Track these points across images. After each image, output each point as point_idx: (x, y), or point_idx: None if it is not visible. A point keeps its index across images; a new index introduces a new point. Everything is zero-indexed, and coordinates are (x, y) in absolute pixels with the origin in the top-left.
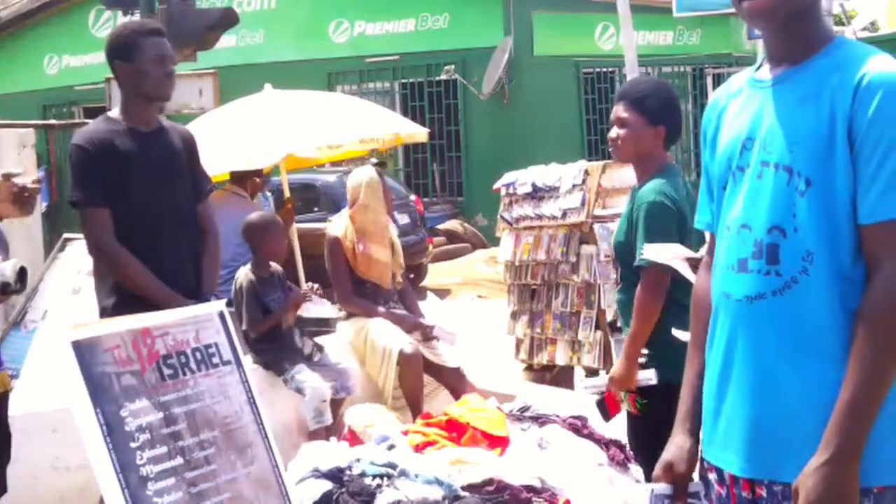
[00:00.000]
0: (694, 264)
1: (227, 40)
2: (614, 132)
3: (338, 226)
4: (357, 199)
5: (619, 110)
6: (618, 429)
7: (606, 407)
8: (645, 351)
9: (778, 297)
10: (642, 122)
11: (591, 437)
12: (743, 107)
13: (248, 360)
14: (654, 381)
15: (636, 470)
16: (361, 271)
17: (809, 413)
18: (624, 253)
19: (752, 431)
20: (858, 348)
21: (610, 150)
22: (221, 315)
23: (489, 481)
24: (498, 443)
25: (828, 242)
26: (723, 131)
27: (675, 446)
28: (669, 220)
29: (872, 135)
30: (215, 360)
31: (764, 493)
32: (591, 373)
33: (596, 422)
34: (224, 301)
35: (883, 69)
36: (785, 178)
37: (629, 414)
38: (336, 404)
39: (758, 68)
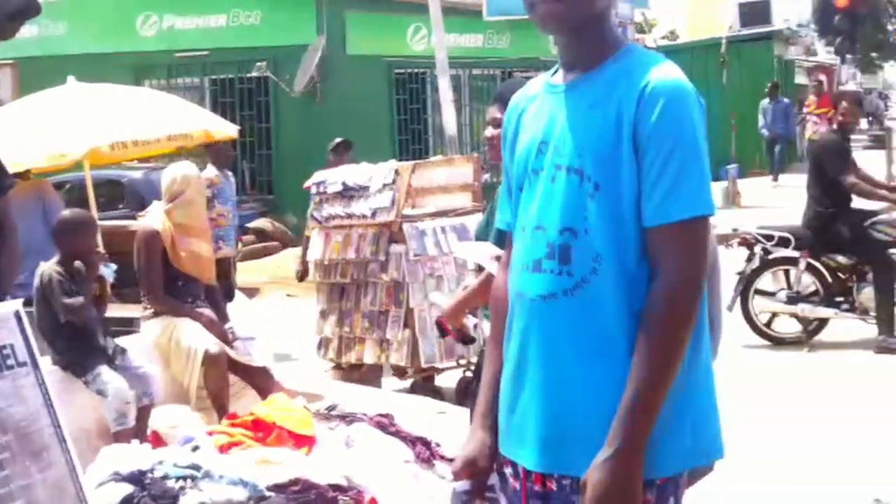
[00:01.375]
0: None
1: (28, 30)
2: (489, 132)
3: (154, 220)
4: (179, 195)
5: (493, 111)
6: (424, 426)
7: (443, 326)
8: (474, 320)
9: (569, 297)
10: None
11: (398, 434)
12: (539, 110)
13: (46, 360)
14: (472, 333)
15: (441, 466)
16: (183, 266)
17: (597, 410)
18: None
19: (545, 427)
20: (641, 347)
21: (485, 148)
22: (17, 315)
23: (295, 481)
24: (304, 442)
25: (615, 244)
26: (521, 134)
27: (475, 442)
28: None
29: (655, 141)
30: (10, 361)
31: (554, 486)
32: (399, 371)
33: (403, 419)
34: (20, 301)
35: (666, 76)
36: (576, 182)
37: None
38: (142, 411)
39: (554, 73)
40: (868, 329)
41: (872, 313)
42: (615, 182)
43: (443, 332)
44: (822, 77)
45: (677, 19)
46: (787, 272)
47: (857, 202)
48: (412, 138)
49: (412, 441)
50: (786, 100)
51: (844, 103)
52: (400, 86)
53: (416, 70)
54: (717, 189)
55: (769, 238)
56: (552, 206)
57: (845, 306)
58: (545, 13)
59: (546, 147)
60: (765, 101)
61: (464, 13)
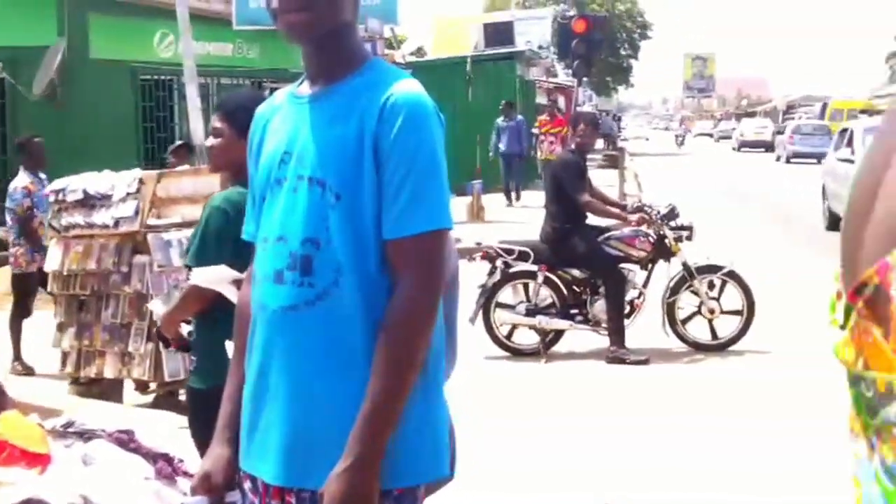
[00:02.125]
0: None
1: None
2: (210, 141)
3: None
4: None
5: (214, 120)
6: (166, 442)
7: (163, 337)
8: (188, 328)
9: (311, 309)
10: (233, 133)
11: (139, 450)
12: (283, 121)
13: None
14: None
15: (184, 482)
16: None
17: (337, 422)
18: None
19: (285, 440)
20: (379, 359)
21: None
22: None
23: (27, 502)
24: (38, 461)
25: (356, 256)
26: (265, 144)
27: (213, 457)
28: (224, 228)
29: (395, 155)
30: None
31: (293, 500)
32: (141, 386)
33: (144, 435)
34: None
35: (407, 92)
36: (318, 192)
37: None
38: None
39: (300, 84)
40: (600, 340)
41: (604, 325)
42: (356, 194)
43: (165, 342)
44: (559, 97)
45: (425, 37)
46: (526, 285)
47: (592, 219)
48: (158, 146)
49: (153, 457)
50: (520, 118)
51: (582, 125)
52: (146, 92)
53: (163, 77)
54: (462, 204)
55: (510, 252)
56: (294, 216)
57: (580, 318)
58: (288, 23)
59: (289, 157)
60: (499, 120)
61: (213, 21)
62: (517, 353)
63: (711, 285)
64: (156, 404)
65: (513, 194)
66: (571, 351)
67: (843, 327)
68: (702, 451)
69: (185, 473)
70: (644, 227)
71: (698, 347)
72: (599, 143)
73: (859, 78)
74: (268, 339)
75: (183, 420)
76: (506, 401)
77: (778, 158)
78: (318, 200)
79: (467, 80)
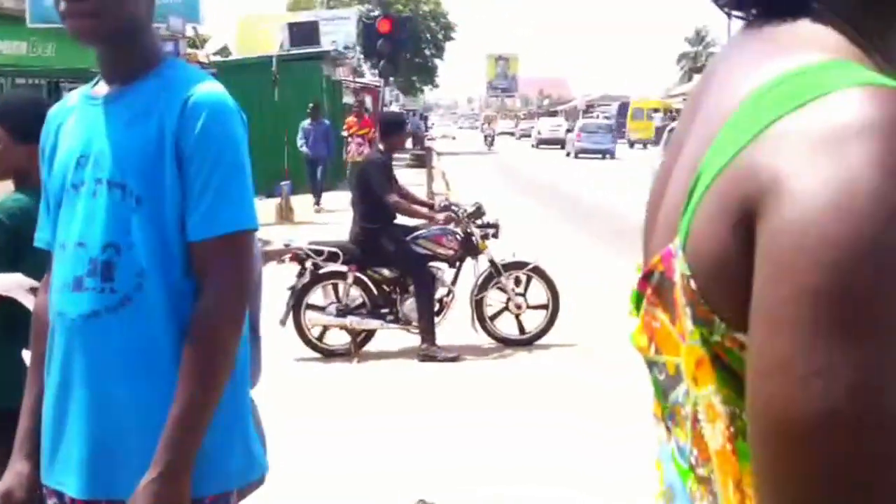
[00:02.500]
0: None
1: None
2: None
3: None
4: None
5: None
6: None
7: None
8: None
9: (113, 315)
10: (9, 138)
11: None
12: (77, 124)
13: None
14: None
15: None
16: None
17: (144, 430)
18: None
19: (90, 451)
20: (186, 365)
21: None
22: None
23: None
24: None
25: (160, 259)
26: (59, 148)
27: (13, 473)
28: None
29: (197, 156)
30: None
31: None
32: None
33: None
34: None
35: (208, 92)
36: (118, 196)
37: None
38: None
39: (95, 84)
40: (412, 338)
41: (415, 323)
42: (158, 196)
43: None
44: (366, 97)
45: (229, 36)
46: (336, 286)
47: (401, 219)
48: None
49: None
50: (326, 122)
51: (390, 124)
52: None
53: None
54: (271, 205)
55: (319, 253)
56: (94, 221)
57: (390, 317)
58: (75, 27)
59: (86, 161)
60: (306, 123)
61: (5, 18)
62: (329, 355)
63: (518, 281)
64: None
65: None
66: (383, 350)
67: (637, 314)
68: (513, 447)
69: None
70: (451, 226)
71: (507, 343)
72: (407, 143)
73: (653, 77)
74: (68, 349)
75: None
76: (317, 403)
77: (568, 154)
78: (118, 204)
79: (273, 80)
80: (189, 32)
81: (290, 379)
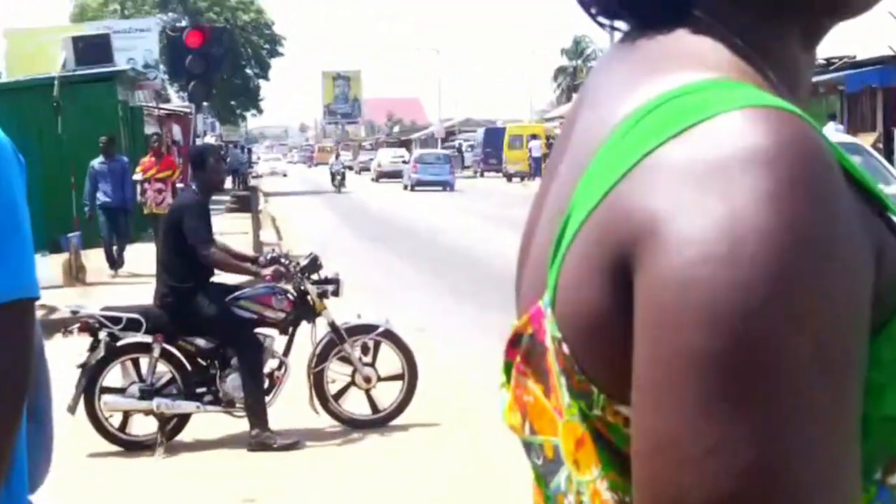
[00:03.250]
0: None
1: None
2: None
3: None
4: None
5: None
6: None
7: None
8: None
9: None
10: None
11: None
12: None
13: None
14: None
15: None
16: None
17: None
18: None
19: None
20: None
21: None
22: None
23: None
24: None
25: None
26: None
27: None
28: None
29: None
30: None
31: None
32: None
33: None
34: None
35: None
36: None
37: None
38: None
39: None
40: (238, 423)
41: (240, 404)
42: None
43: None
44: (173, 126)
45: None
46: (137, 361)
47: (219, 275)
48: None
49: None
50: (124, 159)
51: (212, 159)
52: None
53: None
54: (57, 262)
55: (116, 321)
56: None
57: (208, 398)
58: None
59: None
60: (96, 162)
61: None
62: (133, 447)
63: (366, 349)
64: None
65: (117, 258)
66: (199, 439)
67: (508, 387)
68: None
69: None
70: (282, 283)
71: (356, 425)
72: (227, 182)
73: (526, 96)
74: None
75: None
76: None
77: (405, 187)
78: None
79: (56, 106)
80: None
81: (86, 479)
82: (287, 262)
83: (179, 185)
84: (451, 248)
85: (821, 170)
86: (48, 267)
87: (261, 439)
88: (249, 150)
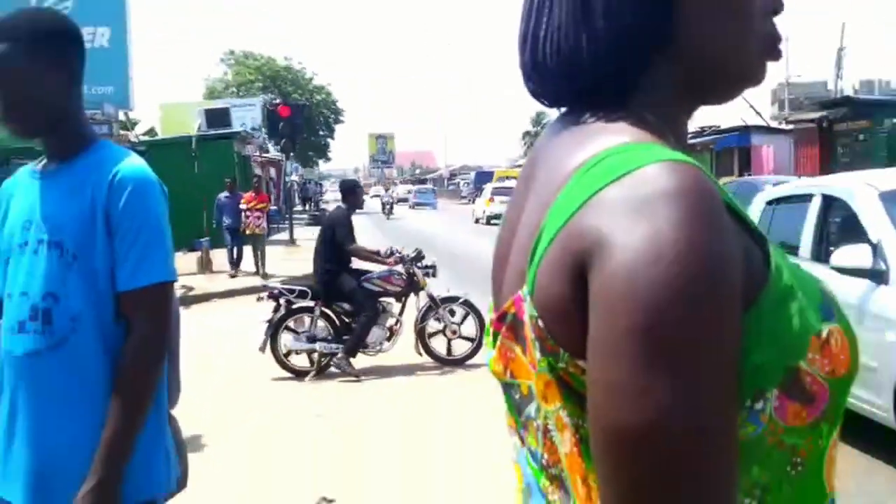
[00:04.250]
0: None
1: None
2: None
3: None
4: None
5: None
6: None
7: None
8: None
9: (52, 353)
10: None
11: None
12: (25, 194)
13: None
14: None
15: None
16: None
17: (79, 450)
18: None
19: (32, 468)
20: (117, 393)
21: None
22: None
23: None
24: None
25: (92, 306)
26: (10, 214)
27: None
28: None
29: (124, 222)
30: None
31: None
32: None
33: None
34: None
35: (132, 166)
36: (56, 254)
37: None
38: None
39: (39, 161)
40: (367, 360)
41: (372, 348)
42: (90, 255)
43: None
44: (271, 169)
45: (154, 119)
46: (303, 319)
47: (355, 263)
48: None
49: None
50: (242, 194)
51: (358, 190)
52: None
53: None
54: (192, 258)
55: (291, 291)
56: (36, 274)
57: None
58: (8, 129)
59: (30, 224)
60: (223, 195)
61: None
62: (296, 373)
63: (452, 312)
64: None
65: (237, 262)
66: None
67: (493, 347)
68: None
69: None
70: (398, 268)
71: (442, 362)
72: (304, 205)
73: (502, 150)
74: (15, 382)
75: None
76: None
77: (410, 206)
78: (56, 260)
79: (193, 156)
80: (121, 117)
81: (269, 393)
82: (402, 254)
83: (273, 208)
84: (447, 248)
85: (710, 202)
86: (186, 262)
87: (340, 363)
88: (320, 185)
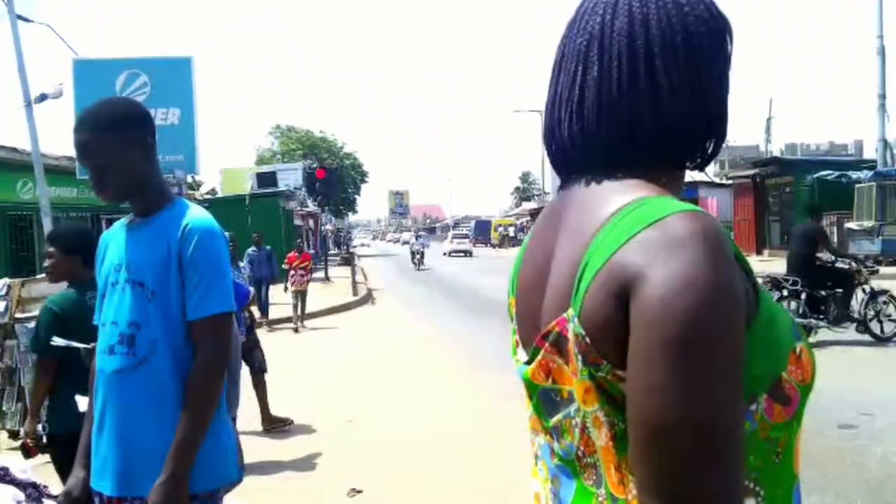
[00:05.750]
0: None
1: None
2: (46, 262)
3: None
4: None
5: (46, 247)
6: (34, 475)
7: (28, 450)
8: (43, 417)
9: (134, 371)
10: (60, 253)
11: (13, 482)
12: (117, 242)
13: None
14: (43, 433)
15: (49, 502)
16: None
17: (157, 449)
18: None
19: (119, 464)
20: (186, 402)
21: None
22: None
23: None
24: None
25: (168, 333)
26: (106, 258)
27: (73, 478)
28: (49, 321)
29: (192, 264)
30: None
31: None
32: (13, 434)
33: (16, 470)
34: None
35: (200, 220)
36: (139, 291)
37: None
38: None
39: (130, 216)
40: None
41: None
42: (166, 291)
43: (27, 453)
44: (309, 221)
45: (215, 180)
46: None
47: None
48: (22, 262)
49: (24, 486)
50: (268, 247)
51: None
52: (11, 225)
53: (25, 213)
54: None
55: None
56: (123, 307)
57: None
58: (98, 196)
59: (120, 267)
60: (250, 250)
61: (62, 172)
62: None
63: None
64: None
65: (265, 308)
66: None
67: (528, 363)
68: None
69: (50, 496)
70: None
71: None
72: (337, 248)
73: (495, 202)
74: (105, 394)
75: (46, 458)
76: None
77: (446, 254)
78: (139, 296)
79: (246, 210)
80: (189, 179)
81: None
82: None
83: (311, 251)
84: (450, 282)
85: (724, 244)
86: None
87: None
88: (349, 232)
